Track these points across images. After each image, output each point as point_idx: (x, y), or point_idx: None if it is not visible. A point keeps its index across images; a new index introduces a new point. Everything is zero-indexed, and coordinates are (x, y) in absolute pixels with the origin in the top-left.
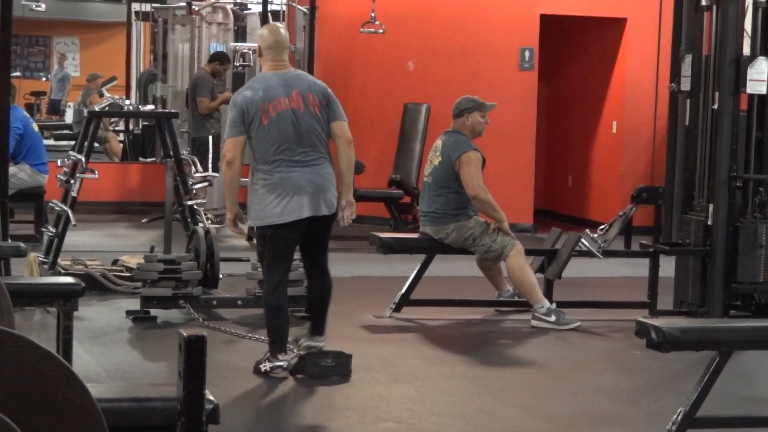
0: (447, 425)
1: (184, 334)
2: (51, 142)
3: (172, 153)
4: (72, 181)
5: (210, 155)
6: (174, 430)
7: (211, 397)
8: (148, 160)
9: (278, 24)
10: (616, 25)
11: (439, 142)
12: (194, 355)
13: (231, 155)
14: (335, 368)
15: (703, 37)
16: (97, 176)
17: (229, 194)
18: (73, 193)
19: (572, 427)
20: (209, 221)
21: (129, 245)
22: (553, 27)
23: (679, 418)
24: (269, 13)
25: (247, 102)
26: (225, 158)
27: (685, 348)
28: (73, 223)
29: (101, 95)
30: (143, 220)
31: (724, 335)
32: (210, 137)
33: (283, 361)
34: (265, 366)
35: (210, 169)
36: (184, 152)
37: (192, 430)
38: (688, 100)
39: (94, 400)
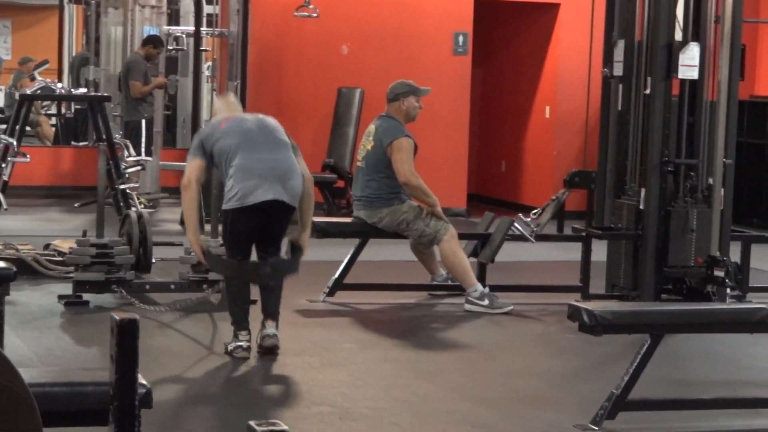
0: (380, 409)
1: (116, 318)
2: None
3: (104, 137)
4: (3, 165)
5: (143, 139)
6: (106, 414)
7: (144, 381)
8: (81, 143)
9: (230, 94)
10: (550, 10)
11: (372, 127)
12: (126, 339)
13: (186, 179)
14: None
15: (635, 23)
16: (28, 160)
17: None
18: (5, 177)
19: (504, 409)
20: (142, 205)
21: (61, 229)
22: (487, 12)
23: (611, 400)
24: None
25: (210, 129)
26: (182, 182)
27: (616, 331)
28: (5, 207)
29: (33, 79)
30: (75, 205)
31: (655, 319)
32: (143, 121)
33: (243, 341)
34: (229, 346)
35: (143, 154)
36: (117, 136)
37: (124, 414)
38: (620, 86)
39: (25, 384)
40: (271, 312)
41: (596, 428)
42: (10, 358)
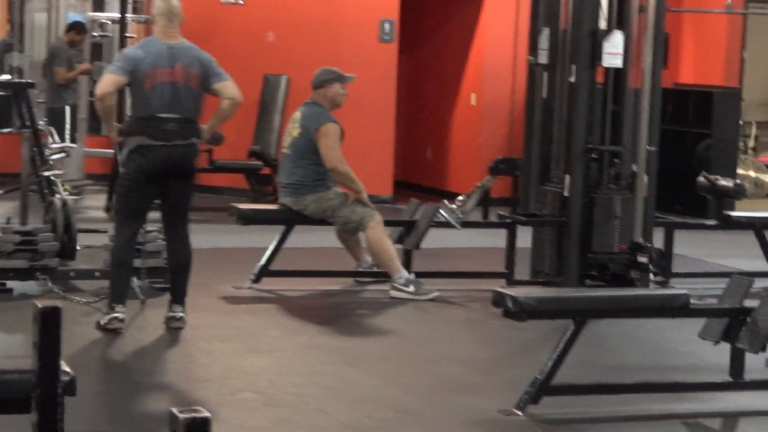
0: (305, 395)
1: (39, 305)
2: None
3: (28, 123)
4: None
5: (67, 126)
6: (29, 402)
7: (68, 369)
8: (5, 130)
9: None
10: None
11: (298, 114)
12: (49, 326)
13: (102, 92)
14: None
15: (560, 11)
16: None
17: (107, 121)
18: None
19: (429, 396)
20: (67, 192)
21: None
22: None
23: (535, 385)
24: None
25: (137, 59)
26: (97, 95)
27: (540, 317)
28: None
29: None
30: (0, 191)
31: (578, 304)
32: (67, 107)
33: (119, 312)
34: (103, 319)
35: (67, 140)
36: (41, 123)
37: (47, 402)
38: (545, 73)
39: None
40: (179, 296)
41: (520, 413)
42: None
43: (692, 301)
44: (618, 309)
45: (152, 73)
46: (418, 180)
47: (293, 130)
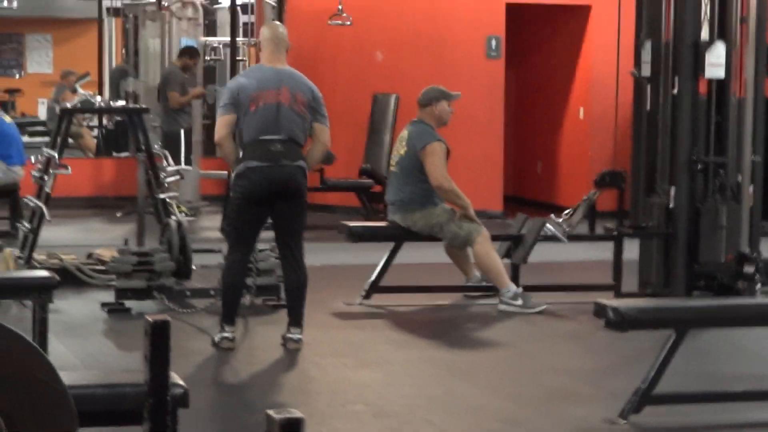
0: (414, 406)
1: (150, 319)
2: (26, 138)
3: (143, 147)
4: (46, 177)
5: (182, 149)
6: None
7: (181, 382)
8: (122, 154)
9: (277, 23)
10: (581, 12)
11: (405, 133)
12: (159, 339)
13: (218, 137)
14: None
15: (662, 23)
16: (69, 172)
17: (232, 164)
18: (47, 189)
19: (534, 406)
20: (183, 214)
21: (103, 239)
22: (518, 15)
23: (638, 394)
24: (238, 8)
25: (239, 88)
26: (216, 141)
27: (641, 327)
28: (48, 218)
29: (74, 91)
30: (117, 214)
31: (678, 314)
32: (182, 131)
33: (228, 332)
34: (216, 338)
35: (182, 163)
36: (156, 146)
37: (158, 410)
38: (648, 86)
39: (61, 380)
40: (296, 318)
41: (624, 421)
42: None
43: None
44: (718, 318)
45: (257, 95)
46: (529, 194)
47: (400, 149)
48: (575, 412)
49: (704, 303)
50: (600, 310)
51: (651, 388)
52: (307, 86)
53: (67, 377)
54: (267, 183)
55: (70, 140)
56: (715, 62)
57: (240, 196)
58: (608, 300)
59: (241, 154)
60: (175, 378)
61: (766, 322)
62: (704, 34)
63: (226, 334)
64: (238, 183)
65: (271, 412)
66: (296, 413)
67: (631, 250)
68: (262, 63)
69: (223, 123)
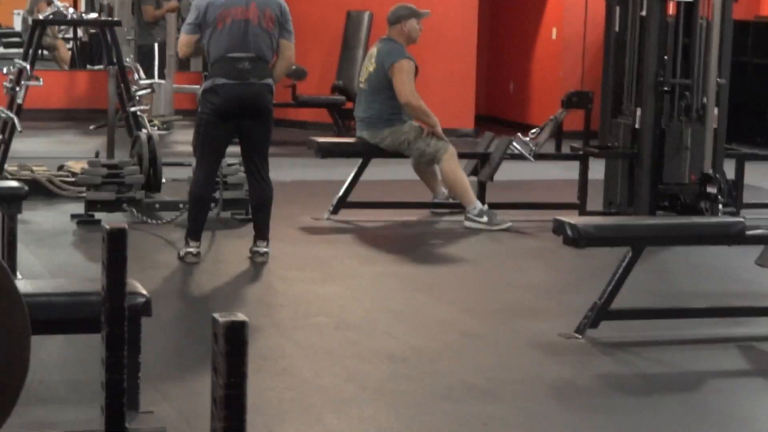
0: (375, 319)
1: (107, 227)
2: (1, 50)
3: (115, 60)
4: (17, 89)
5: (156, 62)
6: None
7: (144, 291)
8: (96, 67)
9: None
10: None
11: (374, 50)
12: (116, 245)
13: (181, 55)
14: None
15: None
16: (41, 83)
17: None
18: (19, 100)
19: (494, 320)
20: (155, 128)
21: (77, 151)
22: None
23: (594, 310)
24: None
25: (207, 5)
26: (179, 56)
27: (598, 244)
28: (19, 129)
29: (48, 3)
30: (91, 127)
31: (635, 231)
32: (156, 44)
33: (193, 247)
34: (180, 252)
35: (156, 77)
36: (128, 60)
37: (115, 315)
38: (618, 7)
39: (13, 281)
40: (261, 232)
41: (580, 336)
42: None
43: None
44: (674, 236)
45: (224, 12)
46: (501, 114)
47: (369, 66)
48: (533, 326)
49: (660, 221)
50: (558, 227)
51: (607, 304)
52: (276, 3)
53: (31, 285)
54: (234, 100)
55: (46, 52)
56: None
57: (208, 111)
58: (566, 217)
59: (209, 70)
60: (138, 287)
61: (720, 241)
62: None
63: (190, 249)
64: (206, 99)
65: (216, 315)
66: (241, 316)
67: (598, 170)
68: None
69: (185, 42)
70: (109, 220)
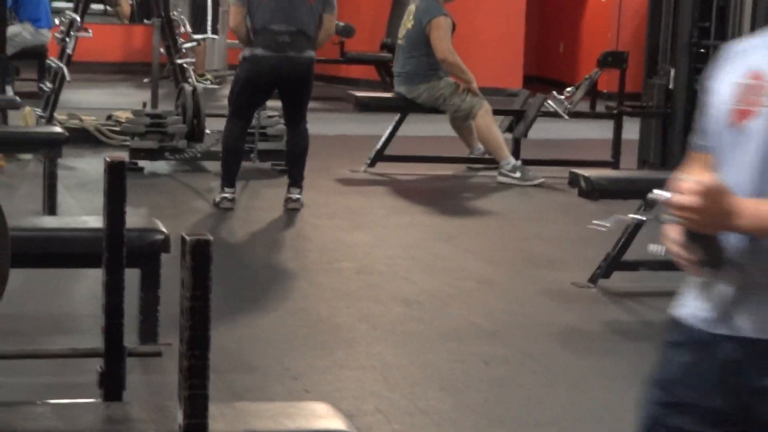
0: (396, 266)
1: (107, 159)
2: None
3: (163, 13)
4: (67, 39)
5: (209, 17)
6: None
7: (163, 229)
8: (148, 21)
9: None
10: None
11: (412, 6)
12: (115, 177)
13: (232, 24)
14: None
15: None
16: (90, 35)
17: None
18: (69, 51)
19: (511, 269)
20: (208, 81)
21: (128, 103)
22: None
23: (607, 260)
24: None
25: None
26: (230, 26)
27: (611, 197)
28: (68, 78)
29: None
30: (144, 80)
31: (648, 185)
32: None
33: (228, 193)
34: (216, 198)
35: (209, 31)
36: (175, 13)
37: (115, 244)
38: None
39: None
40: (295, 179)
41: (592, 286)
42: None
43: None
44: None
45: None
46: (550, 74)
47: (408, 23)
48: (548, 276)
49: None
50: (573, 180)
51: (620, 255)
52: None
53: (57, 221)
54: (270, 72)
55: (108, 8)
56: None
57: (244, 78)
58: (582, 170)
59: (252, 37)
60: (159, 225)
61: None
62: None
63: (225, 195)
64: (244, 66)
65: (184, 233)
66: (207, 236)
67: (632, 131)
68: None
69: (235, 13)
70: (152, 168)
